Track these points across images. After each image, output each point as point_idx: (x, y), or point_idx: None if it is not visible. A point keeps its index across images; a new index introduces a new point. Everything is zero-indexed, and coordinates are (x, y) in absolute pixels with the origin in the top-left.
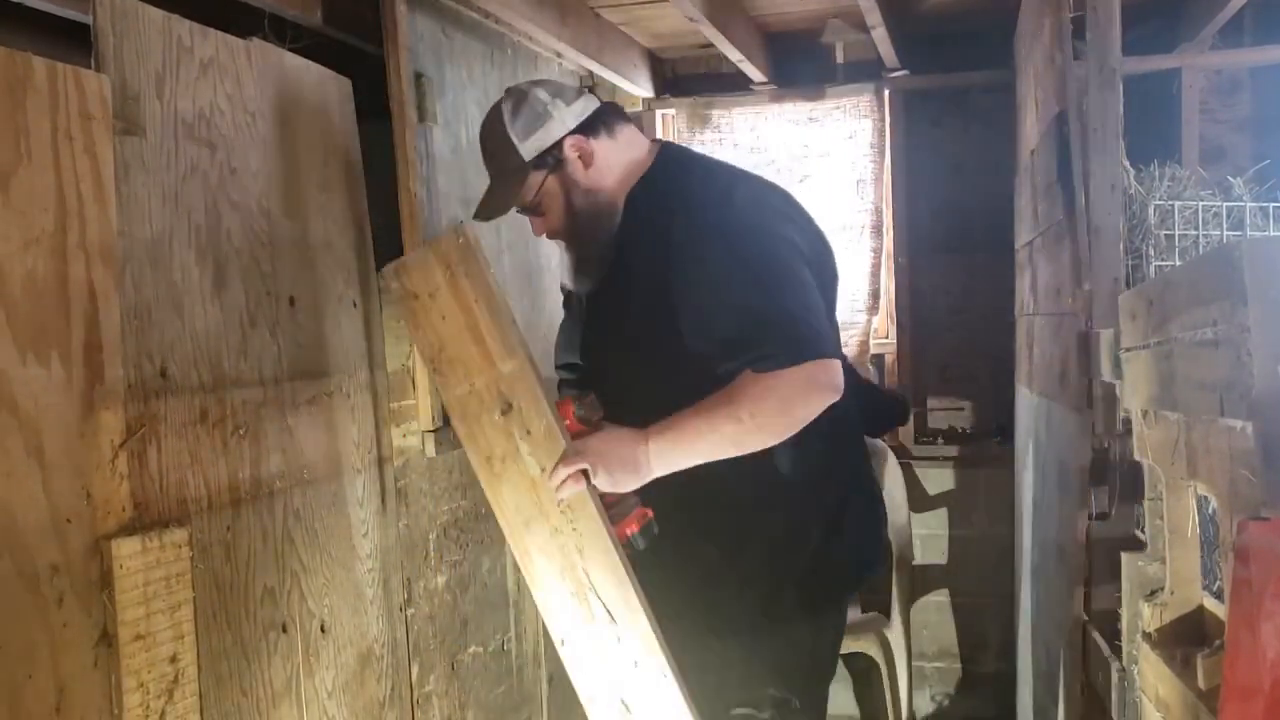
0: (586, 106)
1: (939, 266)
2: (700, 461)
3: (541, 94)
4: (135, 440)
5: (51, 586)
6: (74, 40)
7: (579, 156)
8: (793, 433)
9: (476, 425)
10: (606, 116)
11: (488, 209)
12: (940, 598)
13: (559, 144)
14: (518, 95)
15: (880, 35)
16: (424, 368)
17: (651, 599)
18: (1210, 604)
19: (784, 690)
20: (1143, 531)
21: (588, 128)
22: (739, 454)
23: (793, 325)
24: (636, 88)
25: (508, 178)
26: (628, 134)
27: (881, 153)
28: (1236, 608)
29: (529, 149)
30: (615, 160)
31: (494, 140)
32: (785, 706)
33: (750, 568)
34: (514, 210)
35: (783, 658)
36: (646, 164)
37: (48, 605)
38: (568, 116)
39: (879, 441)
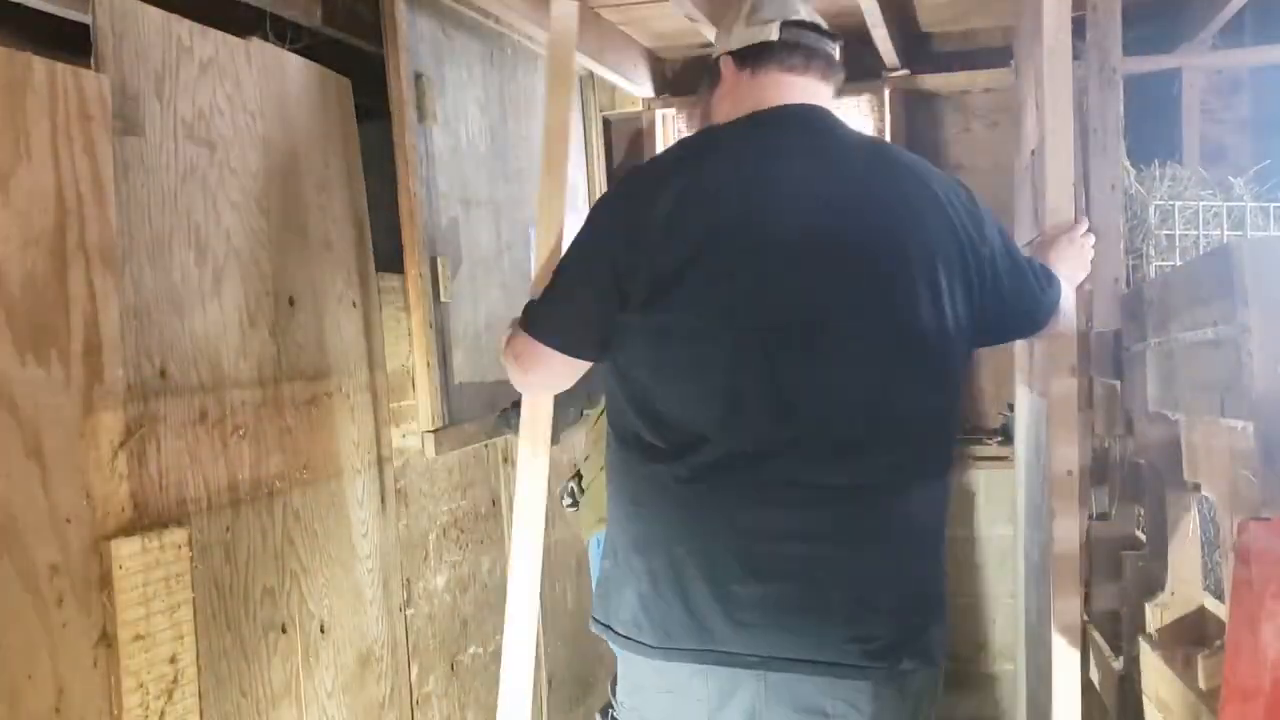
0: (763, 32)
1: None
2: None
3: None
4: (135, 440)
5: (51, 586)
6: (74, 40)
7: (720, 83)
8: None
9: None
10: (763, 54)
11: None
12: None
13: (717, 60)
14: None
15: (880, 35)
16: (423, 368)
17: None
18: (1210, 604)
19: None
20: (1143, 531)
21: (743, 56)
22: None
23: (532, 302)
24: (636, 88)
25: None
26: (761, 85)
27: None
28: (1237, 608)
29: (715, 51)
30: (722, 107)
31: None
32: None
33: None
34: (513, 210)
35: None
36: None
37: (48, 605)
38: (742, 33)
39: None
